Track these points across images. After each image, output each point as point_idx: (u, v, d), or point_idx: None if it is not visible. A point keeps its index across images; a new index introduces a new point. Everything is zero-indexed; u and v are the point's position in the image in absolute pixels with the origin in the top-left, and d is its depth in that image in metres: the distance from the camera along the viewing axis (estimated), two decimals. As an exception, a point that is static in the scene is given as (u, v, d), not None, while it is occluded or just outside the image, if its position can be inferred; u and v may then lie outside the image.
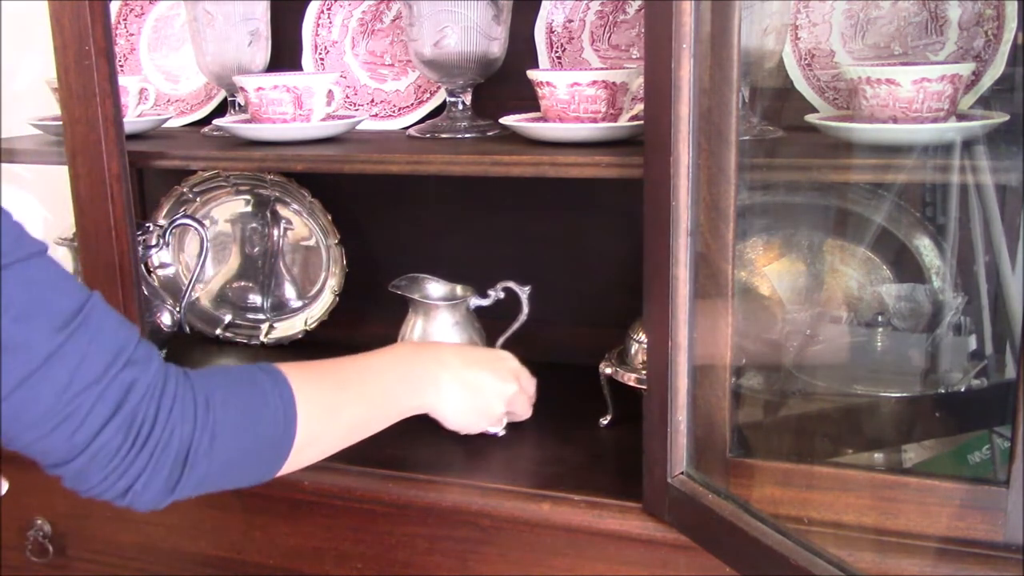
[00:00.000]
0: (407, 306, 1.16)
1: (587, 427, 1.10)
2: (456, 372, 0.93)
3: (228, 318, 1.45)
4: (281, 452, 0.77)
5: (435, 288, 1.15)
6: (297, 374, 0.78)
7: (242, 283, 1.45)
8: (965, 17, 1.01)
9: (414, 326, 1.14)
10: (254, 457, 0.75)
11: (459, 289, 1.15)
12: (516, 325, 1.14)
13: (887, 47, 1.05)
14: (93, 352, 0.66)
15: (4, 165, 1.42)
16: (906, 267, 1.11)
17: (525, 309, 1.13)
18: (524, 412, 1.04)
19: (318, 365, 0.84)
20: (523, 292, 1.12)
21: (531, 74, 1.05)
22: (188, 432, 0.70)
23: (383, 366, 0.89)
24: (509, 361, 1.01)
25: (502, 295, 1.12)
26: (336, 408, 0.82)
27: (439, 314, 1.12)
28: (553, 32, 1.22)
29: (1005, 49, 0.98)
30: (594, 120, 1.02)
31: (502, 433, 1.05)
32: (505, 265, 1.34)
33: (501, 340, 1.14)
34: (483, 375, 0.96)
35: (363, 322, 1.42)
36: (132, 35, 1.44)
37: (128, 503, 0.71)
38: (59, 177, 1.16)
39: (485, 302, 1.12)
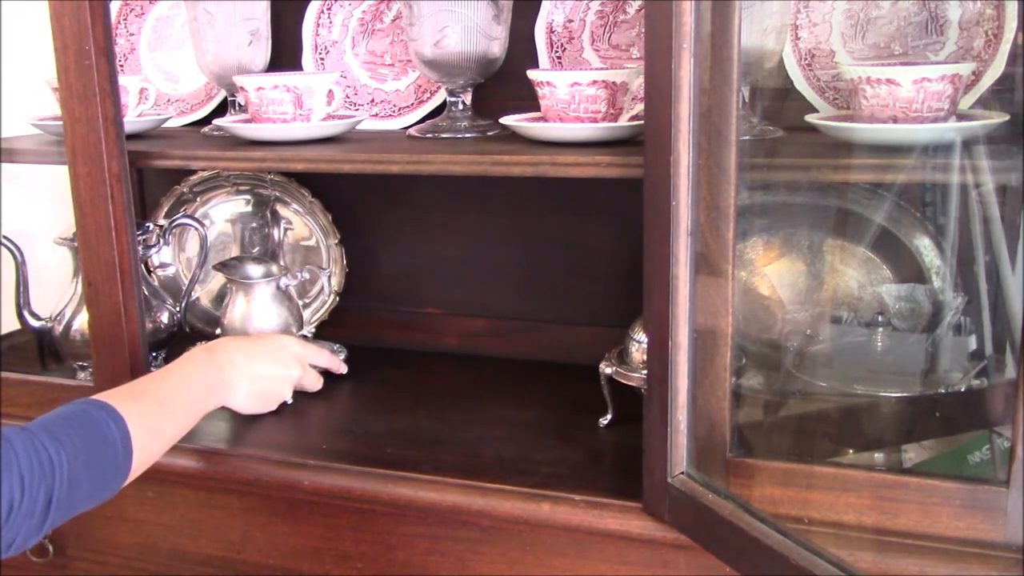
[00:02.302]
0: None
1: (587, 427, 1.10)
2: (244, 370, 1.07)
3: (228, 318, 1.45)
4: (120, 477, 0.87)
5: (255, 269, 1.28)
6: (125, 404, 0.89)
7: (242, 283, 1.45)
8: (965, 17, 1.01)
9: (236, 301, 1.27)
10: (102, 488, 0.85)
11: (275, 268, 1.28)
12: (319, 303, 1.39)
13: (887, 47, 1.05)
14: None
15: (4, 165, 1.42)
16: (906, 267, 1.11)
17: (327, 289, 1.36)
18: (313, 386, 1.19)
19: (139, 389, 0.95)
20: (323, 274, 1.32)
21: (531, 74, 1.05)
22: (48, 487, 0.79)
23: (188, 378, 1.01)
24: (292, 347, 1.15)
25: (307, 276, 1.30)
26: (160, 427, 0.93)
27: (257, 290, 1.26)
28: (553, 32, 1.22)
29: (1005, 49, 0.98)
30: (594, 120, 1.02)
31: (290, 401, 1.18)
32: (505, 265, 1.34)
33: (314, 318, 1.38)
34: (268, 367, 1.11)
35: (363, 322, 1.42)
36: (132, 35, 1.44)
37: (8, 554, 0.80)
38: (59, 177, 1.16)
39: (293, 282, 1.27)
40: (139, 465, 0.89)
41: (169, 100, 1.43)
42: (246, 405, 1.10)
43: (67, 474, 0.80)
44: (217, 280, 1.46)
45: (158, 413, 0.94)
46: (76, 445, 0.82)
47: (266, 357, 1.11)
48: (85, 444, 0.83)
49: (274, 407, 1.15)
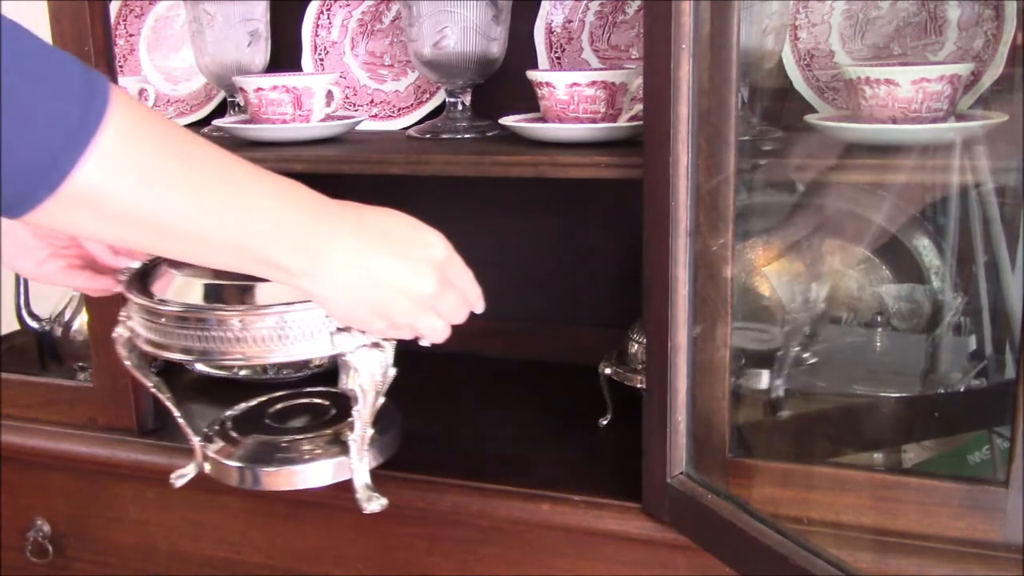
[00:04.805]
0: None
1: (587, 427, 1.10)
2: (351, 256, 0.68)
3: (228, 318, 1.45)
4: (50, 167, 0.52)
5: None
6: (128, 102, 0.56)
7: (242, 283, 1.45)
8: (964, 17, 1.01)
9: None
10: (7, 148, 0.50)
11: None
12: None
13: (886, 47, 1.05)
14: None
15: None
16: (906, 267, 1.11)
17: None
18: (453, 317, 0.77)
19: (173, 126, 0.60)
20: None
21: (530, 74, 1.05)
22: None
23: (271, 187, 0.65)
24: (434, 248, 0.73)
25: None
26: (170, 174, 0.57)
27: None
28: (552, 32, 1.22)
29: (1004, 49, 0.98)
30: (593, 120, 1.02)
31: (427, 344, 0.79)
32: (504, 265, 1.34)
33: None
34: (391, 263, 0.70)
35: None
36: (132, 35, 1.44)
37: None
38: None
39: None
40: (85, 187, 0.53)
41: (168, 101, 1.43)
42: (343, 306, 0.70)
43: None
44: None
45: (174, 168, 0.58)
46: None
47: (392, 252, 0.70)
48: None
49: (384, 328, 0.74)
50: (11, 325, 1.36)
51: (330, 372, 1.28)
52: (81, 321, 1.23)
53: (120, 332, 0.87)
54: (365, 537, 1.03)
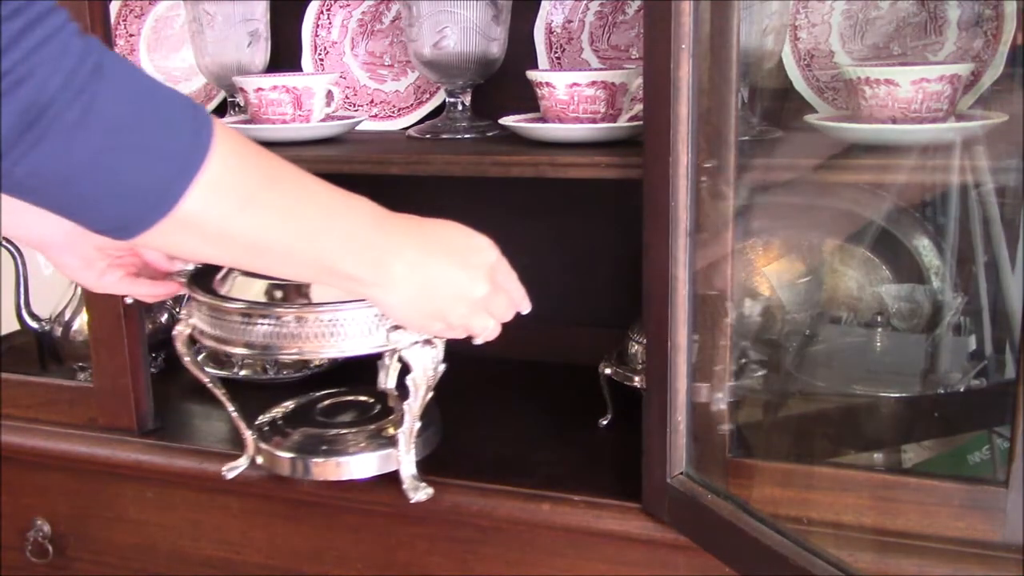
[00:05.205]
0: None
1: (587, 427, 1.10)
2: (411, 266, 0.74)
3: (228, 319, 1.45)
4: (163, 194, 0.57)
5: None
6: (228, 133, 0.61)
7: (242, 283, 1.45)
8: (964, 17, 1.01)
9: None
10: (125, 177, 0.55)
11: None
12: None
13: (886, 47, 1.05)
14: None
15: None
16: (906, 267, 1.11)
17: None
18: (502, 315, 0.83)
19: (262, 151, 0.65)
20: None
21: (530, 74, 1.05)
22: (57, 84, 0.51)
23: (344, 205, 0.70)
24: (485, 253, 0.80)
25: None
26: (263, 197, 0.63)
27: None
28: (552, 32, 1.22)
29: (1004, 49, 0.98)
30: (593, 120, 1.02)
31: (479, 341, 0.85)
32: (505, 265, 1.34)
33: None
34: (449, 271, 0.77)
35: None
36: (132, 35, 1.44)
37: None
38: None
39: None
40: (190, 214, 0.59)
41: (169, 101, 1.43)
42: (406, 311, 0.77)
43: (93, 99, 0.53)
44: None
45: (266, 188, 0.64)
46: (132, 81, 0.56)
47: (449, 260, 0.77)
48: (143, 92, 0.57)
49: (441, 329, 0.80)
50: (11, 325, 1.36)
51: (330, 372, 1.28)
52: (81, 321, 1.23)
53: (180, 330, 0.93)
54: (365, 537, 1.03)
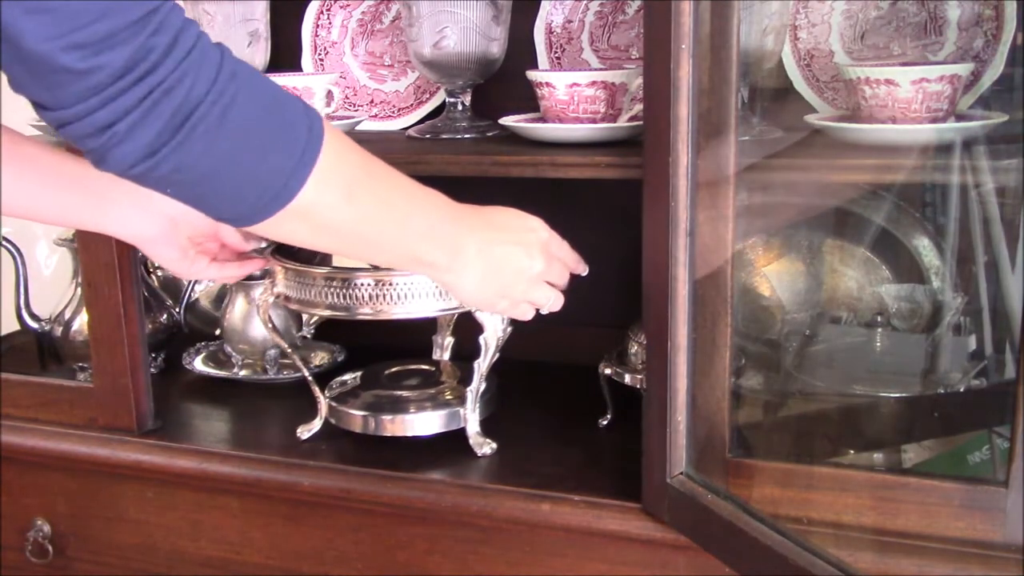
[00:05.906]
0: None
1: (587, 427, 1.10)
2: (479, 249, 0.81)
3: (228, 319, 1.46)
4: (283, 186, 0.64)
5: None
6: (331, 128, 0.68)
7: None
8: (964, 17, 1.01)
9: (236, 302, 1.30)
10: (254, 171, 0.63)
11: None
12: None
13: (886, 47, 1.05)
14: None
15: (4, 166, 1.42)
16: (906, 267, 1.11)
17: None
18: (561, 283, 0.90)
19: (354, 143, 0.71)
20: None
21: (530, 74, 1.05)
22: (202, 90, 0.59)
23: (424, 197, 0.77)
24: (539, 232, 0.87)
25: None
26: (362, 189, 0.71)
27: (256, 291, 1.26)
28: (552, 32, 1.22)
29: (1004, 49, 0.98)
30: (593, 120, 1.02)
31: (528, 316, 0.91)
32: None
33: (313, 319, 1.31)
34: (509, 250, 0.84)
35: (362, 323, 1.41)
36: (132, 36, 1.44)
37: (99, 147, 0.58)
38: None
39: None
40: (309, 203, 0.65)
41: (169, 101, 1.43)
42: (476, 292, 0.84)
43: (232, 100, 0.60)
44: (217, 280, 1.46)
45: (367, 180, 0.71)
46: (256, 86, 0.63)
47: (508, 240, 0.84)
48: (264, 94, 0.63)
49: (507, 307, 0.88)
50: (11, 325, 1.36)
51: (329, 372, 1.28)
52: (81, 321, 1.23)
53: (265, 298, 1.04)
54: (365, 537, 1.03)
